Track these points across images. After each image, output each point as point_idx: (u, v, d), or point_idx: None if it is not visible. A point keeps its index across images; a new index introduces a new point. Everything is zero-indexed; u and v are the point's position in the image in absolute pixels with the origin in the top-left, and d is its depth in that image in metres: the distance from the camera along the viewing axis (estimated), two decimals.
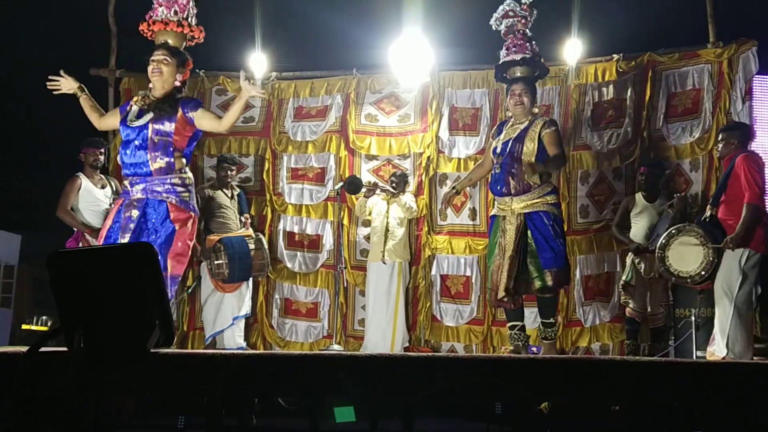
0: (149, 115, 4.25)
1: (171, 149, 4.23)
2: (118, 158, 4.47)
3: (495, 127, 5.27)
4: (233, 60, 7.43)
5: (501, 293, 4.86)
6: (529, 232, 4.87)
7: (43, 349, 2.63)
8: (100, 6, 7.66)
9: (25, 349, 3.28)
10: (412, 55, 6.88)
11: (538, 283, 4.85)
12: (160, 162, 4.20)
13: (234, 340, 6.46)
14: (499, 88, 7.10)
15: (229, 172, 6.77)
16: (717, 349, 4.74)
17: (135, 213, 4.16)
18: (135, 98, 4.44)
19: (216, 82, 7.55)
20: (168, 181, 4.21)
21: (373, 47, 7.28)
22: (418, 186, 7.16)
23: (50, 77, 4.40)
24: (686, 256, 4.95)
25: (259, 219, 7.31)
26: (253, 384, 3.11)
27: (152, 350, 2.47)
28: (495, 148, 5.05)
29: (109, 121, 4.59)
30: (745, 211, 4.63)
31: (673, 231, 5.10)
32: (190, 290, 7.03)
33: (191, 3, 4.86)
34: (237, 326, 6.54)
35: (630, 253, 6.14)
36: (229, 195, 6.73)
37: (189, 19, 4.88)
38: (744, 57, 6.38)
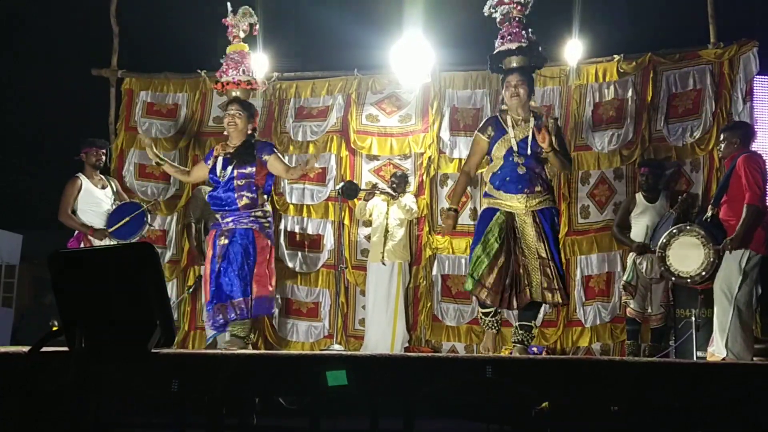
0: (233, 163, 5.04)
1: (254, 187, 5.04)
2: (206, 197, 5.36)
3: (486, 123, 4.85)
4: None
5: (538, 297, 4.52)
6: (543, 228, 4.58)
7: (44, 348, 2.64)
8: (101, 6, 7.68)
9: (26, 348, 3.29)
10: (413, 55, 6.89)
11: (549, 296, 4.50)
12: (246, 200, 5.01)
13: None
14: (500, 89, 7.08)
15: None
16: (716, 350, 4.74)
17: (225, 241, 4.97)
18: (216, 149, 5.22)
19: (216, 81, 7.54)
20: (252, 214, 5.01)
21: (374, 48, 7.28)
22: (419, 186, 7.17)
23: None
24: (687, 256, 4.95)
25: None
26: (253, 384, 3.11)
27: (153, 350, 2.47)
28: (510, 148, 4.67)
29: (198, 174, 5.41)
30: (745, 212, 4.63)
31: (674, 231, 5.10)
32: (191, 290, 7.03)
33: (251, 61, 5.71)
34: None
35: (631, 254, 6.14)
36: None
37: (253, 76, 5.65)
38: (745, 58, 6.38)
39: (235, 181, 5.02)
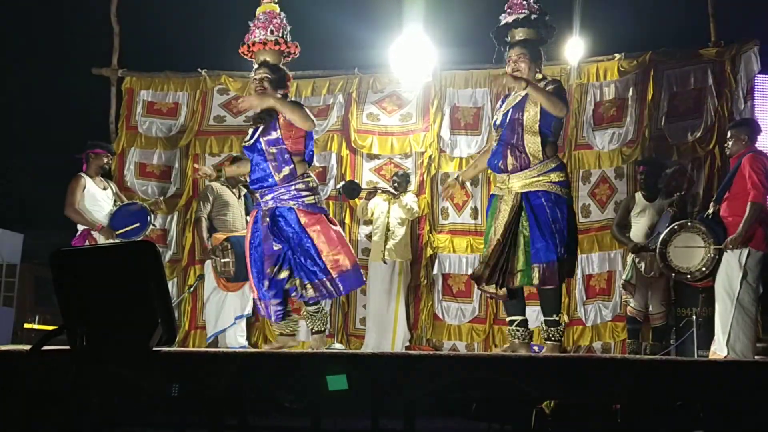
0: (259, 131, 4.47)
1: (288, 156, 4.41)
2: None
3: (499, 101, 4.63)
4: (235, 59, 7.43)
5: (476, 277, 4.38)
6: (523, 213, 4.24)
7: (45, 347, 2.64)
8: (102, 6, 7.68)
9: (27, 347, 3.29)
10: (413, 54, 6.89)
11: (520, 279, 4.23)
12: (284, 171, 4.39)
13: (236, 339, 6.46)
14: (500, 88, 7.10)
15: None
16: (718, 349, 4.74)
17: (267, 221, 4.39)
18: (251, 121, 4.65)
19: (218, 81, 7.55)
20: (293, 187, 4.40)
21: (374, 47, 7.29)
22: (420, 185, 7.17)
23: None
24: (687, 252, 4.95)
25: None
26: (254, 383, 3.11)
27: (154, 349, 2.47)
28: (495, 121, 4.47)
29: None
30: (749, 209, 4.63)
31: (675, 227, 5.10)
32: (191, 289, 7.03)
33: (284, 21, 5.06)
34: (239, 325, 6.54)
35: (630, 253, 6.14)
36: (237, 194, 6.72)
37: (285, 37, 5.00)
38: (746, 56, 6.38)
39: (266, 152, 4.43)
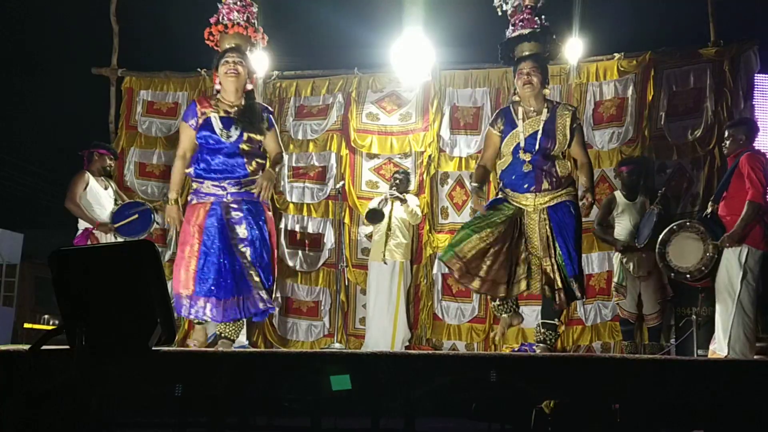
0: (239, 127, 4.40)
1: (262, 151, 4.53)
2: (192, 169, 4.52)
3: (497, 116, 4.65)
4: None
5: (500, 293, 4.41)
6: (549, 227, 4.38)
7: (44, 347, 2.64)
8: (101, 6, 7.69)
9: (27, 347, 3.29)
10: (413, 54, 6.89)
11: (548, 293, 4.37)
12: (255, 165, 4.42)
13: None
14: (500, 87, 7.12)
15: None
16: (718, 348, 4.74)
17: (236, 214, 4.32)
18: (203, 107, 4.46)
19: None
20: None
21: (374, 46, 7.29)
22: (420, 185, 7.17)
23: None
24: (686, 251, 4.95)
25: None
26: (254, 382, 3.11)
27: (154, 348, 2.47)
28: (518, 144, 4.47)
29: (187, 143, 4.57)
30: (747, 208, 4.64)
31: (675, 227, 5.10)
32: None
33: (255, 11, 5.11)
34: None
35: (616, 254, 6.15)
36: None
37: (257, 26, 5.02)
38: (745, 56, 6.38)
39: (242, 145, 4.39)
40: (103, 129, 7.53)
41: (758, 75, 6.33)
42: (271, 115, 4.67)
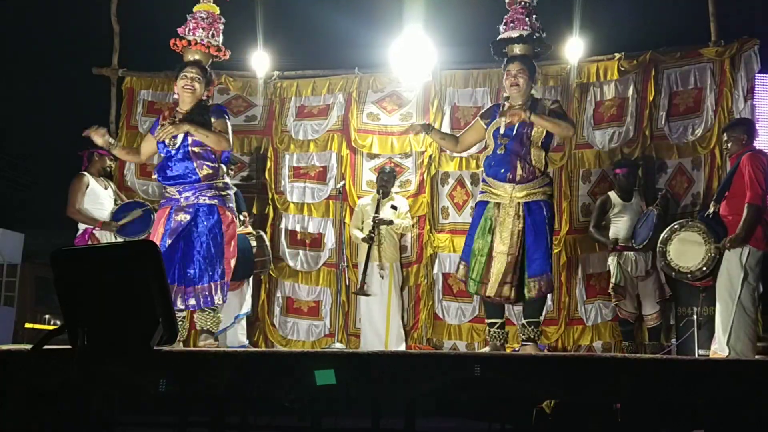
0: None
1: (212, 156, 4.59)
2: (155, 174, 4.75)
3: (489, 109, 4.89)
4: (236, 59, 7.44)
5: (506, 293, 4.53)
6: (522, 224, 4.53)
7: (46, 346, 2.64)
8: (102, 5, 7.68)
9: (28, 347, 3.29)
10: (413, 54, 6.89)
11: (526, 290, 4.55)
12: (207, 169, 4.55)
13: (237, 338, 6.47)
14: (500, 87, 7.10)
15: (229, 171, 6.76)
16: (719, 348, 4.73)
17: (186, 217, 4.50)
18: (164, 115, 4.74)
19: (218, 81, 7.52)
20: (214, 185, 4.57)
21: (374, 46, 7.29)
22: (420, 184, 7.16)
23: (83, 134, 4.85)
24: (688, 251, 4.95)
25: (261, 217, 7.32)
26: (254, 382, 3.11)
27: (155, 348, 2.48)
28: (497, 129, 4.67)
29: (148, 150, 4.87)
30: (746, 211, 4.62)
31: (676, 226, 5.10)
32: None
33: (222, 25, 5.28)
34: (240, 324, 6.54)
35: (612, 255, 6.15)
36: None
37: (221, 43, 5.21)
38: (746, 55, 6.37)
39: (189, 149, 4.55)
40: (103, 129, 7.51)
41: (759, 74, 6.32)
42: (220, 108, 4.85)
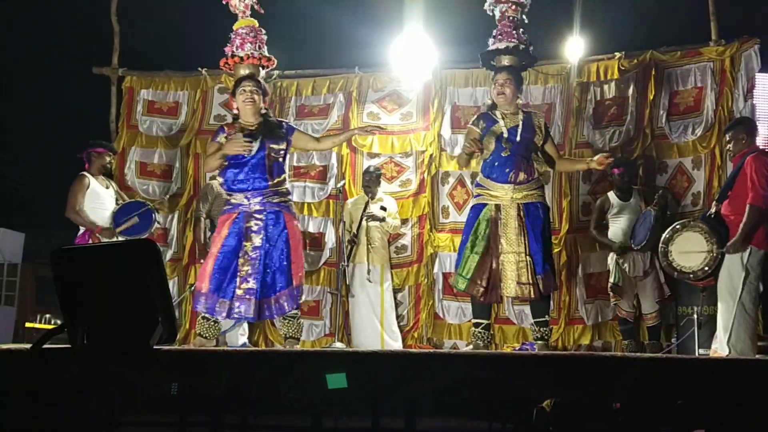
0: (260, 139, 4.73)
1: (283, 165, 4.86)
2: (220, 180, 4.91)
3: (478, 118, 5.04)
4: None
5: (527, 293, 4.68)
6: (523, 223, 4.74)
7: (46, 345, 2.64)
8: (102, 5, 7.69)
9: (28, 346, 3.29)
10: (413, 53, 6.89)
11: (519, 290, 4.71)
12: (277, 177, 4.75)
13: (237, 338, 6.47)
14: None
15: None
16: (720, 347, 4.73)
17: (257, 224, 4.65)
18: (228, 130, 4.78)
19: (218, 80, 7.55)
20: (279, 191, 4.75)
21: (374, 46, 7.29)
22: (421, 184, 7.16)
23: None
24: (690, 251, 4.94)
25: None
26: (255, 381, 3.11)
27: (155, 347, 2.48)
28: (501, 134, 4.85)
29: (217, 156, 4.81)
30: (747, 212, 4.61)
31: (678, 226, 5.09)
32: (192, 288, 7.03)
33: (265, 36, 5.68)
34: (240, 324, 6.54)
35: (611, 254, 6.15)
36: None
37: (267, 54, 5.58)
38: (746, 55, 6.37)
39: (266, 158, 4.72)
40: (103, 128, 7.53)
41: (759, 74, 6.32)
42: (285, 123, 5.07)
